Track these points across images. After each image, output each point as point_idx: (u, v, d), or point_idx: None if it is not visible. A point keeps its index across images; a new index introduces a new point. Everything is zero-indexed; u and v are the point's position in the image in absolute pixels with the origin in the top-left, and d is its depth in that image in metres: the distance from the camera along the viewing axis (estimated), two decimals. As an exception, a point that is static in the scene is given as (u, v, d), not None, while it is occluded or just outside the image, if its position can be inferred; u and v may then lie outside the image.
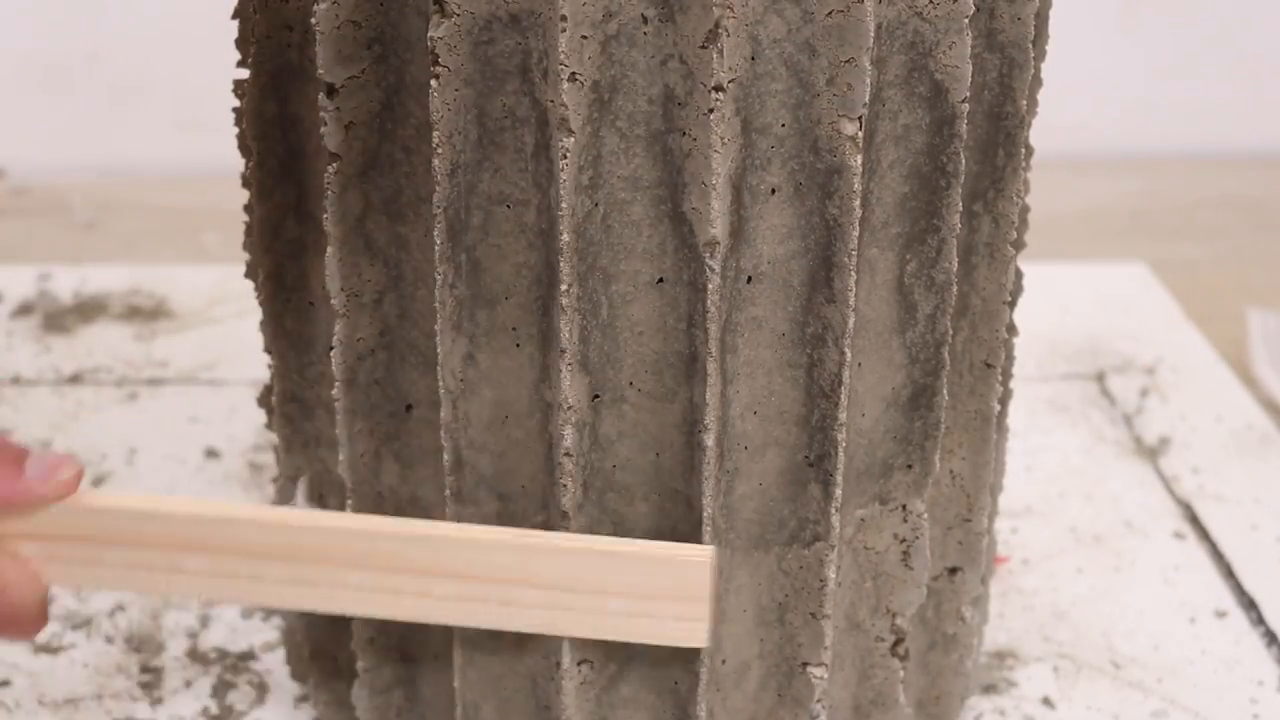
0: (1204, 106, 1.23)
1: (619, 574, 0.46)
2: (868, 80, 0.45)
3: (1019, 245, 0.53)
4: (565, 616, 0.47)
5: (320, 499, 0.55)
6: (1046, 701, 0.62)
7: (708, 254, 0.45)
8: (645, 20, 0.44)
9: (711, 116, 0.44)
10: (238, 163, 0.53)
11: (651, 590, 0.46)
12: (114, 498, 0.45)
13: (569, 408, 0.47)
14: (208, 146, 0.91)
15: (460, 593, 0.46)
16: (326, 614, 0.51)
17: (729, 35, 0.43)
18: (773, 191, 0.46)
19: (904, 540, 0.53)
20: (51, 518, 0.45)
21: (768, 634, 0.52)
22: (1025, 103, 0.50)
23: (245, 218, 0.54)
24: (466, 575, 0.46)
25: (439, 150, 0.45)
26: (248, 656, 0.64)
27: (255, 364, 0.68)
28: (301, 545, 0.45)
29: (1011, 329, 0.55)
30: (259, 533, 0.45)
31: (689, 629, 0.47)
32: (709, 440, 0.47)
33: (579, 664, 0.50)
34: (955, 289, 0.50)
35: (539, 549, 0.46)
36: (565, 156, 0.44)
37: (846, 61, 0.44)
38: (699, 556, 0.46)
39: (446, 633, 0.52)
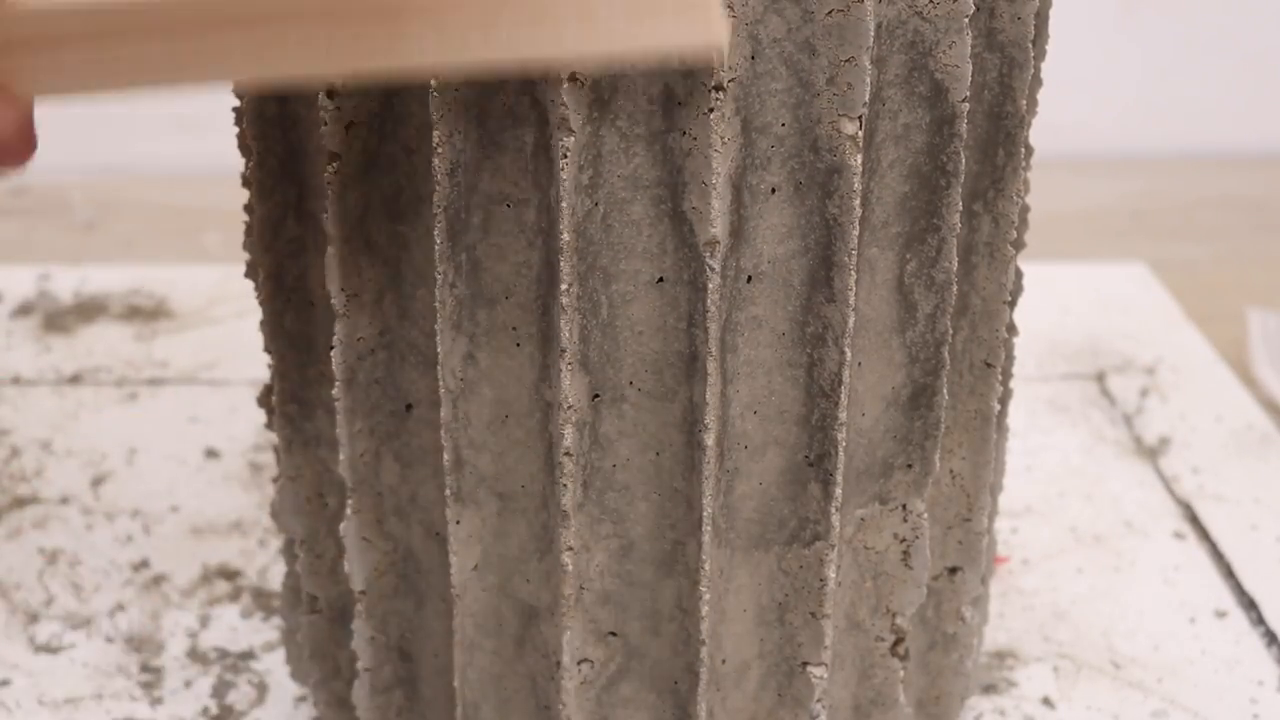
0: (1204, 106, 1.23)
1: None
2: (868, 80, 0.45)
3: (1019, 245, 0.53)
4: (549, 35, 0.38)
5: (320, 498, 0.55)
6: (1046, 701, 0.62)
7: (708, 253, 0.45)
8: (645, 20, 0.44)
9: (711, 116, 0.44)
10: (238, 163, 0.53)
11: None
12: None
13: (569, 407, 0.47)
14: (208, 146, 0.92)
15: (436, 27, 0.38)
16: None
17: (729, 35, 0.43)
18: (773, 191, 0.46)
19: (904, 540, 0.53)
20: None
21: (768, 634, 0.52)
22: (1025, 102, 0.50)
23: (245, 218, 0.54)
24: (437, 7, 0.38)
25: (439, 150, 0.45)
26: (248, 656, 0.64)
27: (255, 364, 0.68)
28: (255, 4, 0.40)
29: (1011, 329, 0.55)
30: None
31: (698, 23, 0.37)
32: (709, 440, 0.47)
33: (579, 664, 0.50)
34: (955, 289, 0.50)
35: None
36: (565, 156, 0.44)
37: (846, 61, 0.44)
38: None
39: (447, 633, 0.52)
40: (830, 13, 0.44)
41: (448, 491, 0.49)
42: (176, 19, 0.40)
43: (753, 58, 0.44)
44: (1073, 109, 1.02)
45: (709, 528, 0.48)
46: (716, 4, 0.37)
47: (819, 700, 0.52)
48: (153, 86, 0.42)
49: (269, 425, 0.56)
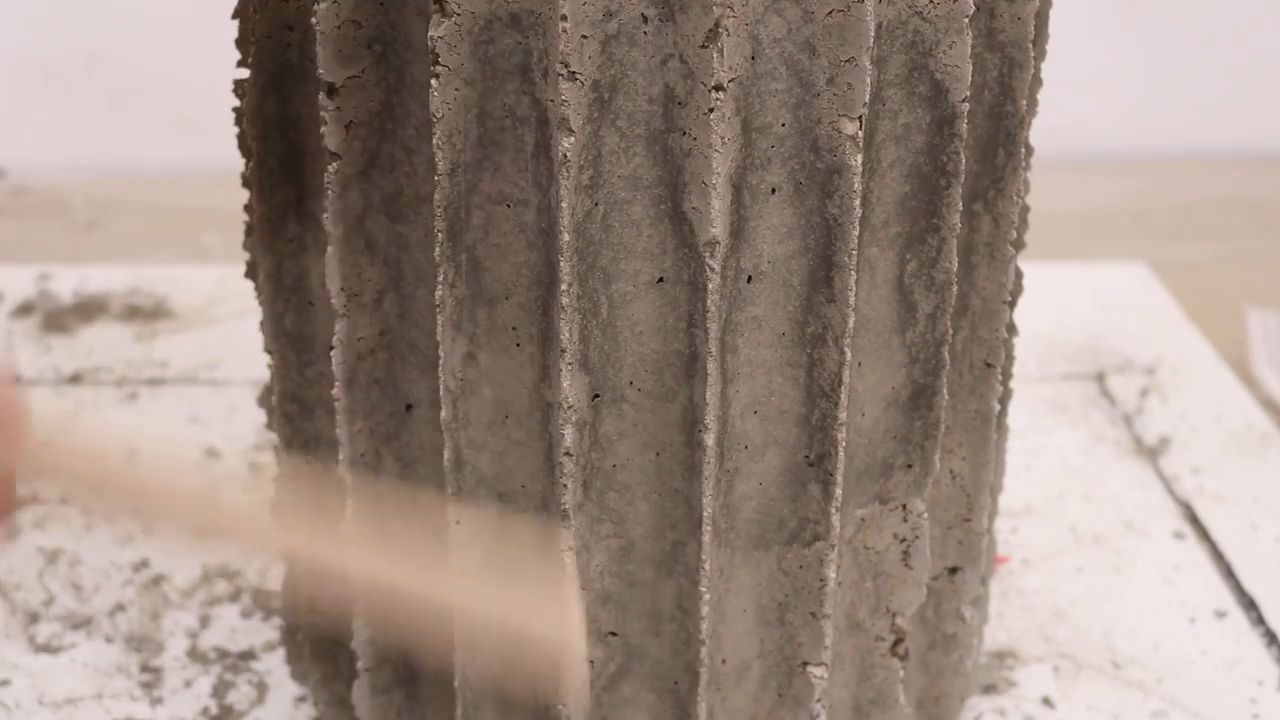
0: (1204, 106, 1.23)
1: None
2: (868, 80, 0.45)
3: (1019, 245, 0.53)
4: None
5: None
6: (1046, 701, 0.62)
7: (708, 253, 0.45)
8: (645, 20, 0.44)
9: (711, 116, 0.44)
10: (238, 163, 0.53)
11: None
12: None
13: (569, 407, 0.47)
14: (208, 146, 0.92)
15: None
16: (325, 613, 0.52)
17: (729, 35, 0.43)
18: (773, 191, 0.46)
19: (904, 540, 0.53)
20: None
21: (768, 634, 0.52)
22: (1025, 102, 0.50)
23: (245, 218, 0.54)
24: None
25: (439, 150, 0.45)
26: (248, 656, 0.64)
27: (255, 364, 0.68)
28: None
29: (1011, 329, 0.55)
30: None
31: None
32: (709, 440, 0.47)
33: (579, 664, 0.50)
34: (955, 289, 0.50)
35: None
36: (565, 156, 0.44)
37: (846, 61, 0.44)
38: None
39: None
40: (830, 13, 0.44)
41: (448, 491, 0.49)
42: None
43: (753, 58, 0.44)
44: (1073, 109, 1.02)
45: (709, 528, 0.48)
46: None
47: (819, 700, 0.52)
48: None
49: (269, 425, 0.56)
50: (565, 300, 0.46)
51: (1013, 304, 0.54)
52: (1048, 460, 0.79)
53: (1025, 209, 0.55)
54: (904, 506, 0.52)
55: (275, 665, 0.63)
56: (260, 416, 0.79)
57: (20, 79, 1.18)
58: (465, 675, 0.52)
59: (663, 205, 0.45)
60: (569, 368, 0.46)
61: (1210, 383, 0.87)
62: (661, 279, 0.46)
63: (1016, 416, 0.76)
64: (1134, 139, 1.24)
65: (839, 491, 0.49)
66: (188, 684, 0.62)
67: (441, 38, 0.44)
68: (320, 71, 0.46)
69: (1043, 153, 0.58)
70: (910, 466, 0.52)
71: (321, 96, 0.47)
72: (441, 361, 0.48)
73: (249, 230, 0.53)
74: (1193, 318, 0.94)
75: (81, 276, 0.97)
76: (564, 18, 0.43)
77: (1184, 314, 0.95)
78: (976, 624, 0.59)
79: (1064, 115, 0.79)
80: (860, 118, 0.45)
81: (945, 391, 0.51)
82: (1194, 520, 0.74)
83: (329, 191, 0.48)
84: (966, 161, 0.49)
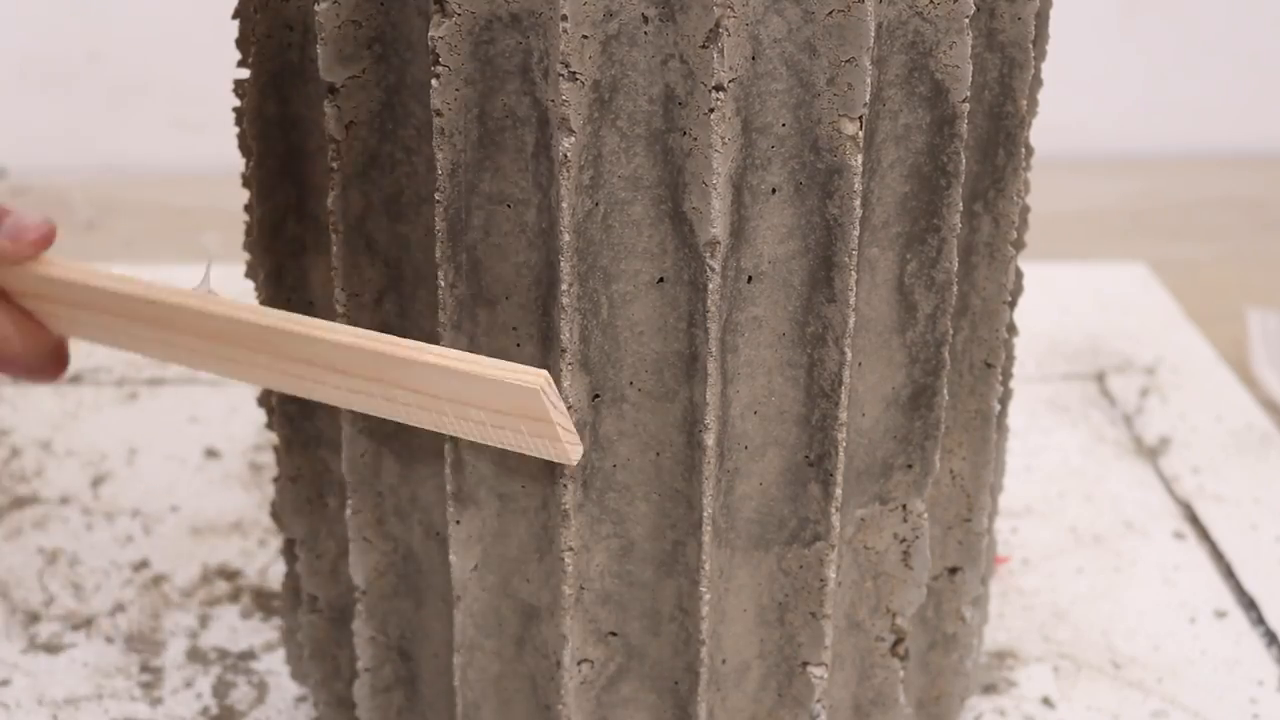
0: (1204, 106, 1.23)
1: (470, 389, 0.46)
2: (868, 80, 0.45)
3: (1019, 245, 0.53)
4: (440, 419, 0.47)
5: (320, 498, 0.55)
6: (1046, 701, 0.62)
7: (708, 253, 0.45)
8: (646, 20, 0.44)
9: (712, 116, 0.44)
10: (238, 163, 0.53)
11: (500, 406, 0.46)
12: (62, 266, 0.48)
13: (569, 407, 0.47)
14: (208, 146, 0.92)
15: (349, 385, 0.47)
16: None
17: (729, 35, 0.43)
18: (773, 191, 0.46)
19: (904, 540, 0.53)
20: (27, 277, 0.49)
21: (768, 634, 0.52)
22: (1025, 103, 0.50)
23: (245, 218, 0.54)
24: (351, 372, 0.47)
25: (439, 150, 0.45)
26: (248, 656, 0.64)
27: (255, 364, 0.68)
28: (220, 329, 0.49)
29: (1011, 329, 0.55)
30: (183, 312, 0.48)
31: (548, 445, 0.46)
32: (709, 440, 0.47)
33: (579, 664, 0.50)
34: (955, 289, 0.50)
35: (398, 359, 0.46)
36: (566, 156, 0.44)
37: (847, 61, 0.44)
38: (529, 381, 0.45)
39: (447, 633, 0.52)
40: (831, 13, 0.44)
41: (448, 491, 0.49)
42: (156, 322, 0.50)
43: (753, 58, 0.44)
44: (1073, 109, 1.02)
45: (709, 528, 0.48)
46: (555, 433, 0.45)
47: (819, 700, 0.52)
48: (149, 355, 0.52)
49: (269, 425, 0.56)
50: (565, 300, 0.46)
51: (1013, 304, 0.54)
52: (1048, 460, 0.79)
53: (1025, 209, 0.55)
54: (904, 506, 0.52)
55: (275, 665, 0.63)
56: (260, 416, 0.79)
57: (20, 79, 1.18)
58: (465, 675, 0.52)
59: (663, 205, 0.46)
60: (569, 368, 0.46)
61: (1210, 383, 0.87)
62: (662, 279, 0.46)
63: (1016, 416, 0.76)
64: (1134, 139, 1.24)
65: (839, 491, 0.49)
66: (188, 684, 0.62)
67: (442, 38, 0.44)
68: (320, 72, 0.46)
69: (1043, 153, 0.58)
70: (910, 466, 0.52)
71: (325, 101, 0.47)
72: (442, 361, 0.48)
73: (249, 230, 0.54)
74: (1193, 318, 0.94)
75: (81, 276, 0.97)
76: (564, 18, 0.43)
77: (1184, 314, 0.95)
78: (976, 624, 0.59)
79: (1064, 115, 0.79)
80: (860, 118, 0.45)
81: (945, 391, 0.51)
82: (1194, 520, 0.74)
83: (329, 191, 0.48)
84: (967, 161, 0.49)
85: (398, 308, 0.49)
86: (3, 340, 0.47)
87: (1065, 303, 0.95)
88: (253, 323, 0.48)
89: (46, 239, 0.48)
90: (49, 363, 0.48)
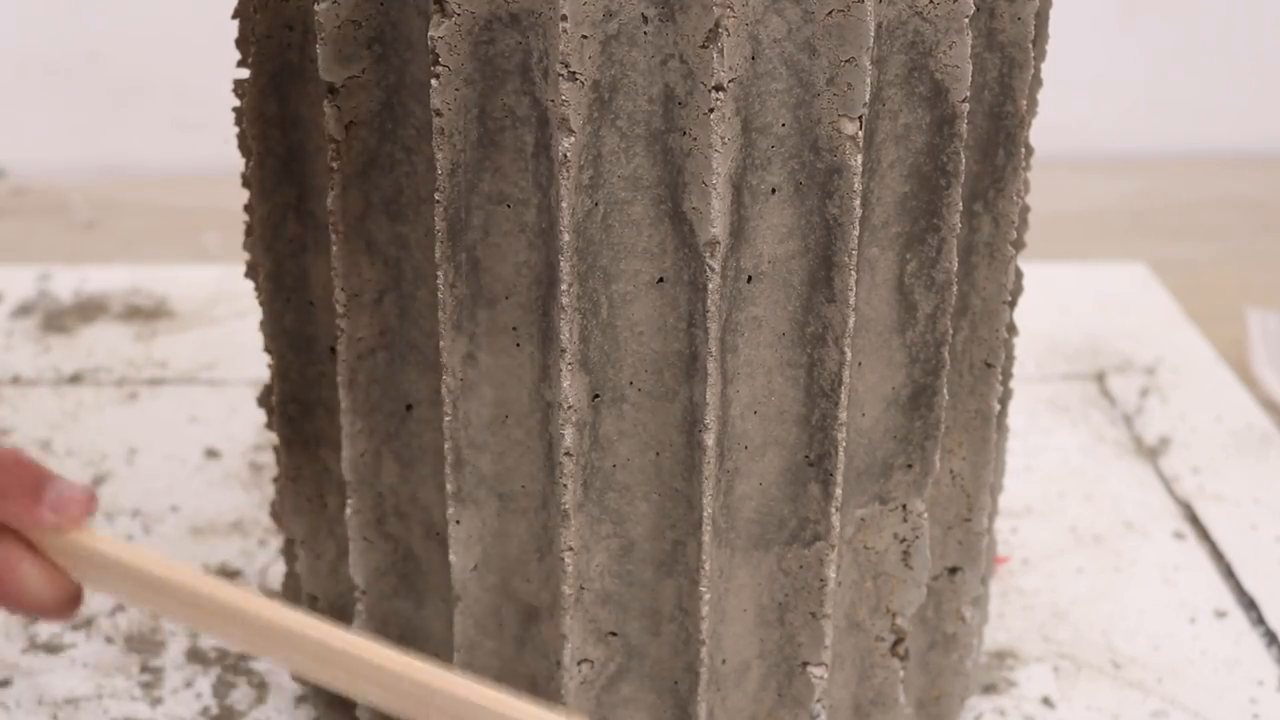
0: (1204, 106, 1.23)
1: None
2: (868, 80, 0.45)
3: (1019, 245, 0.53)
4: None
5: (320, 498, 0.55)
6: (1046, 701, 0.62)
7: (708, 253, 0.45)
8: (645, 20, 0.44)
9: (712, 116, 0.44)
10: (238, 163, 0.53)
11: None
12: (100, 542, 0.49)
13: (569, 407, 0.47)
14: (208, 146, 0.91)
15: (384, 699, 0.46)
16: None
17: (729, 35, 0.43)
18: (773, 191, 0.46)
19: (904, 540, 0.53)
20: (62, 541, 0.49)
21: (768, 634, 0.52)
22: (1025, 102, 0.50)
23: (245, 218, 0.54)
24: (390, 690, 0.46)
25: (439, 150, 0.45)
26: (248, 656, 0.64)
27: (255, 364, 0.68)
28: (254, 634, 0.48)
29: (1011, 329, 0.55)
30: (221, 612, 0.48)
31: None
32: (709, 440, 0.47)
33: (579, 664, 0.50)
34: (955, 289, 0.50)
35: (432, 691, 0.45)
36: (565, 156, 0.44)
37: (847, 61, 0.44)
38: None
39: (447, 633, 0.52)
40: (830, 13, 0.44)
41: (448, 491, 0.49)
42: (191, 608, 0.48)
43: (753, 58, 0.44)
44: (1073, 109, 1.02)
45: (709, 528, 0.48)
46: None
47: (819, 700, 0.52)
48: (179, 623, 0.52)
49: (269, 425, 0.56)
50: (565, 300, 0.46)
51: (1013, 304, 0.54)
52: (1048, 460, 0.79)
53: (1025, 209, 0.55)
54: (904, 506, 0.52)
55: (275, 665, 0.63)
56: (260, 416, 0.79)
57: (20, 79, 1.18)
58: (465, 675, 0.52)
59: (663, 205, 0.46)
60: (569, 368, 0.46)
61: (1210, 383, 0.87)
62: (661, 279, 0.46)
63: (1016, 416, 0.76)
64: (1134, 139, 1.24)
65: (839, 491, 0.49)
66: (188, 684, 0.62)
67: (442, 38, 0.44)
68: (320, 71, 0.46)
69: (1043, 153, 0.58)
70: (910, 466, 0.52)
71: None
72: (442, 361, 0.48)
73: (249, 230, 0.54)
74: (1193, 318, 0.94)
75: (81, 276, 0.97)
76: (564, 18, 0.43)
77: (1184, 314, 0.95)
78: (976, 624, 0.59)
79: (1064, 115, 0.79)
80: (860, 118, 0.45)
81: (945, 391, 0.51)
82: (1194, 520, 0.74)
83: (329, 191, 0.48)
84: (966, 161, 0.49)
85: (398, 308, 0.49)
86: (31, 591, 0.49)
87: (1065, 303, 0.95)
88: (295, 632, 0.47)
89: (89, 510, 0.49)
90: (66, 606, 0.50)
